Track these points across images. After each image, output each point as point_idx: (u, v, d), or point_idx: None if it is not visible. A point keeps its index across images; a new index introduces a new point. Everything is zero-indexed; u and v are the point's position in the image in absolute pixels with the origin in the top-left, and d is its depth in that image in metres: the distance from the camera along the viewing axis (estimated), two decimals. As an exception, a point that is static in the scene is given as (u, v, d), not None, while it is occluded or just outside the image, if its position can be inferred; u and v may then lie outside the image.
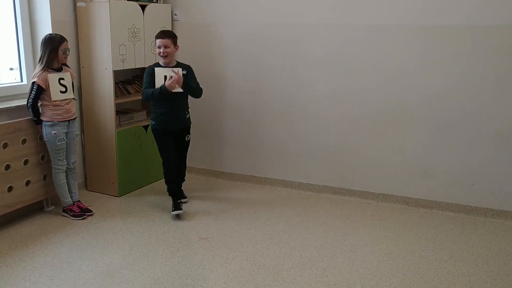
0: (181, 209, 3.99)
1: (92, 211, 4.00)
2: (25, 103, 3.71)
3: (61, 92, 3.70)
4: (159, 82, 3.80)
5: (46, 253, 3.31)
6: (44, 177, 3.91)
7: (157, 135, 4.00)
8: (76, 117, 3.90)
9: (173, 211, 3.97)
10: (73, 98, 3.83)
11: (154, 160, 4.74)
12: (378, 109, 4.23)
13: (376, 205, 4.32)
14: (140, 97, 4.33)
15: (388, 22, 4.05)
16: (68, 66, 3.85)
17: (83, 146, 4.42)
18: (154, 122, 3.97)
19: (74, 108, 3.86)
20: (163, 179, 4.67)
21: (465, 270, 3.18)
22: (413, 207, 4.25)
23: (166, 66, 3.84)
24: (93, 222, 3.86)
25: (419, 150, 4.18)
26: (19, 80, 4.05)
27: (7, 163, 3.58)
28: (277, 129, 4.65)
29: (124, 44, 4.20)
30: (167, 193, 4.17)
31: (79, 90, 4.26)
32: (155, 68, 3.83)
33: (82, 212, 3.93)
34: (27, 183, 3.77)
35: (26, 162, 3.74)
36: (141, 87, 4.15)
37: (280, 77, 4.53)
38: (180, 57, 4.85)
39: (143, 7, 4.41)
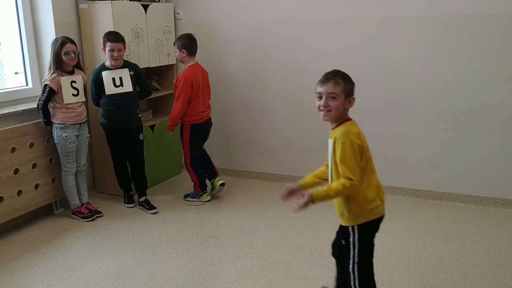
0: (133, 202, 4.24)
1: (101, 212, 4.01)
2: (32, 106, 3.74)
3: (73, 95, 3.71)
4: (108, 85, 3.86)
5: (58, 256, 3.33)
6: (53, 180, 3.92)
7: (108, 134, 4.08)
8: (86, 120, 3.91)
9: (125, 202, 4.24)
10: (84, 101, 3.85)
11: (161, 160, 4.74)
12: (386, 101, 4.21)
13: (385, 198, 4.29)
14: (146, 97, 4.31)
15: (395, 14, 4.02)
16: (80, 69, 3.86)
17: (91, 148, 4.42)
18: (106, 121, 4.00)
19: (85, 111, 3.87)
20: (171, 178, 4.70)
21: (477, 261, 3.16)
22: (423, 199, 4.23)
23: (114, 68, 3.89)
24: (102, 223, 3.87)
25: (428, 142, 4.15)
26: (25, 84, 4.06)
27: (15, 167, 3.59)
28: (284, 125, 4.64)
29: (128, 44, 4.19)
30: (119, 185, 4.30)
31: (85, 92, 4.26)
32: (103, 73, 3.88)
33: (92, 214, 3.94)
34: (36, 186, 3.78)
35: (34, 165, 3.75)
36: (147, 87, 4.18)
37: (285, 74, 4.51)
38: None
39: (145, 7, 4.40)
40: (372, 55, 4.17)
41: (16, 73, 4.05)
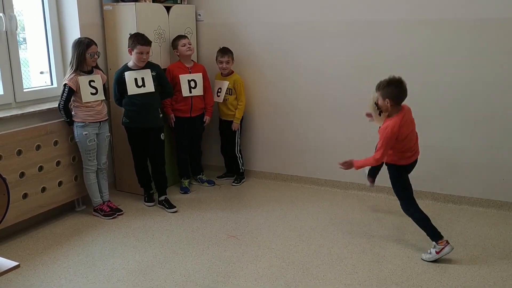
0: (153, 201, 4.29)
1: (122, 211, 4.07)
2: (56, 105, 3.81)
3: (92, 94, 3.78)
4: (130, 85, 3.93)
5: (80, 252, 3.39)
6: (76, 178, 4.00)
7: (129, 133, 4.14)
8: (107, 119, 3.98)
9: (145, 201, 4.29)
10: (103, 100, 3.92)
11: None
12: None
13: (404, 201, 4.28)
14: (167, 98, 4.35)
15: (416, 17, 4.01)
16: (99, 69, 3.93)
17: (111, 147, 4.49)
18: (128, 120, 4.06)
19: (105, 110, 3.94)
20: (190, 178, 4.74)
21: (497, 266, 3.14)
22: (442, 203, 4.21)
23: (137, 68, 3.96)
24: (123, 221, 3.93)
25: (447, 145, 4.13)
26: (50, 83, 4.15)
27: (40, 165, 3.67)
28: (303, 126, 4.66)
29: (150, 45, 4.26)
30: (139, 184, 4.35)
31: (107, 92, 4.33)
32: (125, 73, 3.94)
33: (113, 212, 4.00)
34: (60, 183, 3.86)
35: (58, 163, 3.83)
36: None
37: (305, 76, 4.53)
38: (204, 57, 4.91)
39: (168, 9, 4.46)
40: (391, 58, 4.16)
41: (41, 72, 4.14)
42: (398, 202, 4.24)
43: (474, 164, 4.08)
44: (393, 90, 3.13)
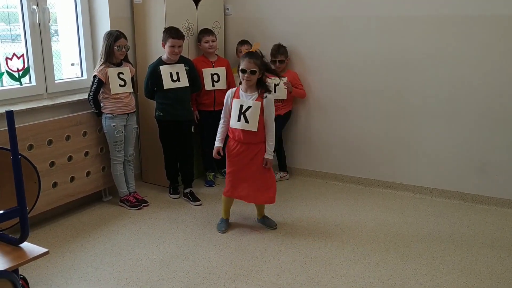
0: (178, 194, 4.32)
1: (147, 202, 4.13)
2: (86, 97, 3.88)
3: (120, 85, 3.83)
4: (166, 79, 3.98)
5: (106, 241, 3.46)
6: (103, 169, 4.07)
7: (162, 126, 4.18)
8: (135, 111, 4.04)
9: (170, 193, 4.34)
10: (131, 92, 3.97)
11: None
12: (433, 102, 4.13)
13: (430, 200, 4.23)
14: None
15: (446, 13, 3.94)
16: (128, 61, 3.98)
17: (139, 139, 4.55)
18: (161, 114, 4.10)
19: (133, 102, 3.99)
20: (215, 172, 4.76)
21: (525, 269, 3.08)
22: (470, 203, 4.14)
23: (171, 63, 4.02)
24: (148, 212, 3.98)
25: (476, 144, 4.05)
26: (80, 75, 4.23)
27: (69, 155, 3.75)
28: (329, 122, 4.63)
29: (179, 39, 4.29)
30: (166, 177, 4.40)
31: (135, 85, 4.39)
32: (161, 67, 3.99)
33: (138, 203, 4.06)
34: (88, 173, 3.94)
35: (86, 153, 3.90)
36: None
37: (334, 72, 4.50)
38: (232, 52, 4.92)
39: (196, 2, 4.49)
40: (420, 55, 4.10)
41: (72, 64, 4.22)
42: (425, 201, 4.21)
43: (503, 164, 3.99)
44: None
